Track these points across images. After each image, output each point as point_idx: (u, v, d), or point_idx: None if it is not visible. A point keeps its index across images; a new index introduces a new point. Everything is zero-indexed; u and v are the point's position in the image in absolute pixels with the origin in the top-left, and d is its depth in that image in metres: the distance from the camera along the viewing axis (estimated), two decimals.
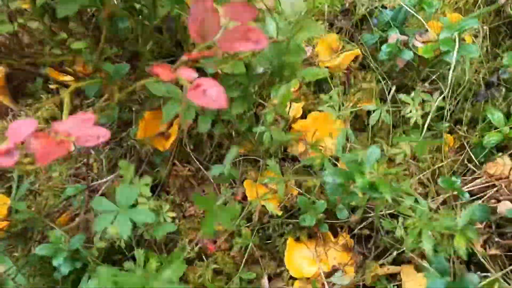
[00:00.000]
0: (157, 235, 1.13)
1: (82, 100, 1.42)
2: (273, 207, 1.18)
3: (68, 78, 1.20)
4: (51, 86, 1.45)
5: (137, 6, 0.96)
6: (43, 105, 1.41)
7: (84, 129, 0.44)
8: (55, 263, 0.90)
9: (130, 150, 1.24)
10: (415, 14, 1.16)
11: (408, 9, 1.17)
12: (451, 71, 1.13)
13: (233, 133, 1.27)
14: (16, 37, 0.88)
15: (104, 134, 0.43)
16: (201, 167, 1.29)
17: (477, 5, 1.31)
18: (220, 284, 1.04)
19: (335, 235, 1.16)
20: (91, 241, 1.10)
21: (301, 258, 1.05)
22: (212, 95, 0.43)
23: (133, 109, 1.20)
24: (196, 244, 1.22)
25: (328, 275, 1.02)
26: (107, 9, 0.69)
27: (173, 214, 1.15)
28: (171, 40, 1.20)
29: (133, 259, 1.16)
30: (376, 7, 1.25)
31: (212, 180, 1.29)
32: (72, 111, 0.90)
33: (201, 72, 0.95)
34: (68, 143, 0.43)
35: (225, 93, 0.43)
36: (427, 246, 0.84)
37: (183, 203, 1.27)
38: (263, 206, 1.19)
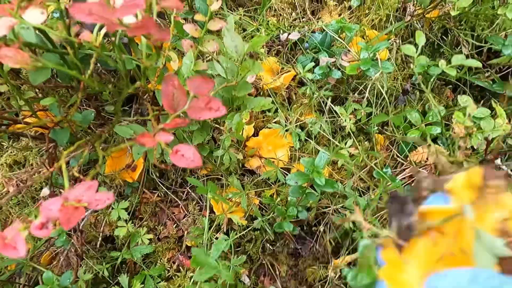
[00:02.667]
0: (136, 256, 1.24)
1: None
2: (238, 219, 1.33)
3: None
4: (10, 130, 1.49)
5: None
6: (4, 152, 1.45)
7: (91, 194, 0.56)
8: None
9: (101, 185, 1.32)
10: (338, 38, 1.35)
11: (332, 34, 1.36)
12: (372, 83, 1.34)
13: None
14: None
15: (109, 197, 0.56)
16: (168, 192, 1.41)
17: (389, 21, 1.53)
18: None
19: None
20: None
21: None
22: (190, 157, 0.56)
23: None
24: (174, 262, 1.34)
25: None
26: (83, 83, 0.80)
27: (150, 236, 1.27)
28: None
29: (118, 284, 1.26)
30: (306, 32, 1.43)
31: (179, 202, 1.41)
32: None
33: None
34: (81, 208, 0.54)
35: (198, 153, 0.57)
36: None
37: (156, 226, 1.37)
38: (229, 218, 1.34)
